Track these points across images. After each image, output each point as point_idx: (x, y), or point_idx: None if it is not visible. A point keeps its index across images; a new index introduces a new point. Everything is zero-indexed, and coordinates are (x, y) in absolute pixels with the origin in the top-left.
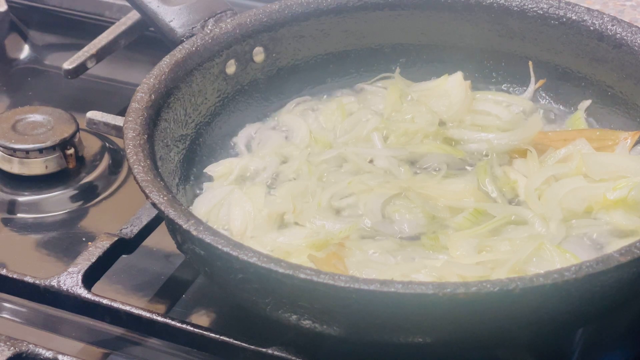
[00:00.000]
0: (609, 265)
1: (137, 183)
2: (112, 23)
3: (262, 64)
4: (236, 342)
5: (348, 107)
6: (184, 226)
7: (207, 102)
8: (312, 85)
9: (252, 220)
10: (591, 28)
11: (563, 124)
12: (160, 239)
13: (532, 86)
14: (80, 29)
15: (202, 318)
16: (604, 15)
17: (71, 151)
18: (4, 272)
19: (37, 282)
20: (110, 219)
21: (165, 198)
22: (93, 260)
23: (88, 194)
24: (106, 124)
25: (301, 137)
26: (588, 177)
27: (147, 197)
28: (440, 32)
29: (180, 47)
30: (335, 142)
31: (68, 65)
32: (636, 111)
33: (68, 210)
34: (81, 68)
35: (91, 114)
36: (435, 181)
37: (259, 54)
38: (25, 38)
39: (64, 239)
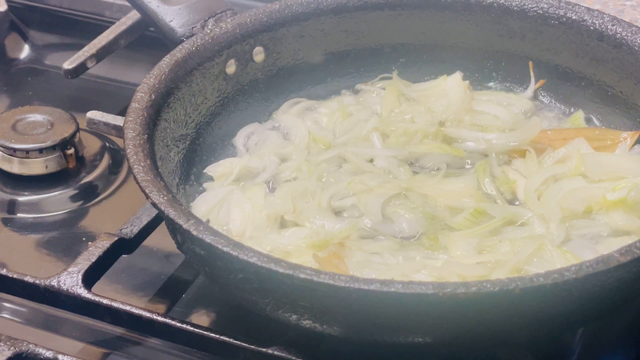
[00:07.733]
0: (609, 265)
1: (137, 183)
2: (112, 23)
3: (262, 64)
4: (236, 342)
5: (347, 107)
6: (184, 226)
7: (207, 102)
8: (312, 85)
9: (252, 221)
10: (591, 28)
11: (563, 123)
12: (160, 239)
13: (532, 86)
14: (80, 29)
15: (202, 318)
16: (604, 15)
17: (71, 151)
18: (4, 272)
19: (37, 282)
20: (110, 219)
21: (165, 198)
22: (93, 260)
23: (88, 194)
24: (106, 124)
25: (300, 137)
26: (587, 177)
27: (147, 197)
28: (440, 32)
29: (180, 47)
30: (334, 142)
31: (68, 65)
32: (636, 111)
33: (68, 210)
34: (81, 68)
35: (91, 114)
36: (435, 181)
37: (259, 54)
38: (25, 38)
39: (64, 239)
